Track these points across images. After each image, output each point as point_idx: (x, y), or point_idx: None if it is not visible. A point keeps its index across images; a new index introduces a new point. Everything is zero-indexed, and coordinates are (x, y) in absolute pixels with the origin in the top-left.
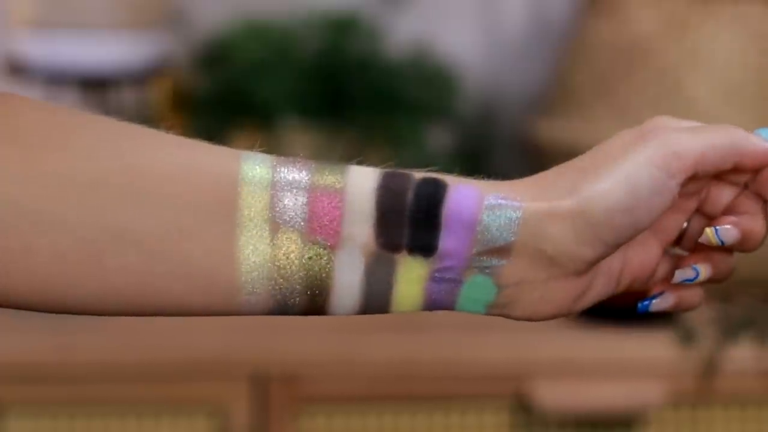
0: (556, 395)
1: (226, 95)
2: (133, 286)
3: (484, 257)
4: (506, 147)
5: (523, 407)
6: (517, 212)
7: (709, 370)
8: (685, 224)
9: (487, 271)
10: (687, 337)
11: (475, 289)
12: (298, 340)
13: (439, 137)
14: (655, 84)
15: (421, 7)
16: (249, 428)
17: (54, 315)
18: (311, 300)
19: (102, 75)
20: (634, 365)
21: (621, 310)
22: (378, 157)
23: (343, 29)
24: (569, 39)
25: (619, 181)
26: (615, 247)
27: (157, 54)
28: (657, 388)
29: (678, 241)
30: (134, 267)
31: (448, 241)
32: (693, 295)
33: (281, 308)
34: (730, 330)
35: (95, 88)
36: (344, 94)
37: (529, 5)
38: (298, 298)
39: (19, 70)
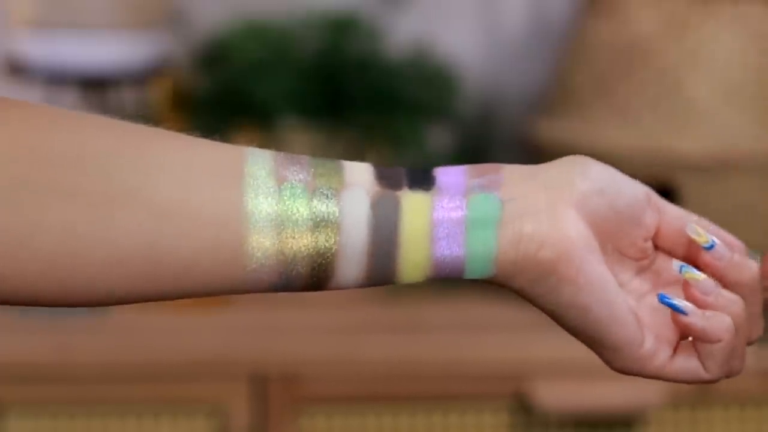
0: (556, 395)
1: (225, 95)
2: (141, 252)
3: (481, 176)
4: (506, 147)
5: (523, 407)
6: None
7: None
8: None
9: (486, 188)
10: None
11: (480, 206)
12: (297, 340)
13: (439, 137)
14: (655, 84)
15: (421, 7)
16: (249, 428)
17: (54, 315)
18: (319, 245)
19: (102, 75)
20: None
21: None
22: (378, 157)
23: (342, 29)
24: (569, 39)
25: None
26: (599, 190)
27: (157, 54)
28: (657, 388)
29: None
30: (143, 228)
31: (444, 178)
32: (719, 322)
33: (289, 263)
34: None
35: (95, 88)
36: (344, 94)
37: (529, 5)
38: (306, 240)
39: (19, 70)
